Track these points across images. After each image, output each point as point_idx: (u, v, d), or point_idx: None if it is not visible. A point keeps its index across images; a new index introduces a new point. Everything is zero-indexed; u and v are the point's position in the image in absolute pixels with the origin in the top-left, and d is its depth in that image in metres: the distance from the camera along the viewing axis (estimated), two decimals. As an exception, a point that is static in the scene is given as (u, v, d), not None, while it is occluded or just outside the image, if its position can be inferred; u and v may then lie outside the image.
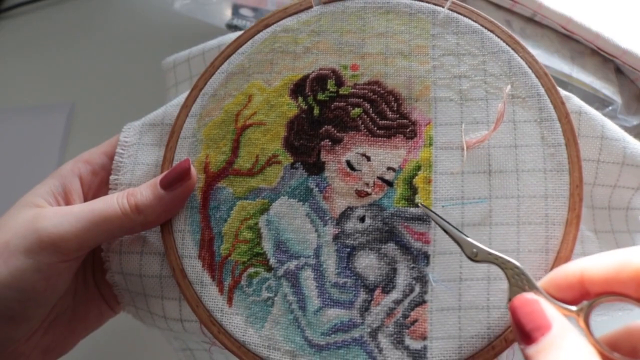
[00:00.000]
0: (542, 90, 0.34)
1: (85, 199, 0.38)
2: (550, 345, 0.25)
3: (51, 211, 0.34)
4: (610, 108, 0.46)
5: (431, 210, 0.32)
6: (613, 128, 0.35)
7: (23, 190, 0.77)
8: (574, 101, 0.35)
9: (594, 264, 0.27)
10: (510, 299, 0.28)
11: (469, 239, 0.30)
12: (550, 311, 0.26)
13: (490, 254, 0.30)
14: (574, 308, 0.27)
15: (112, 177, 0.38)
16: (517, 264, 0.29)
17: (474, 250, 0.30)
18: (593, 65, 0.47)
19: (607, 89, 0.46)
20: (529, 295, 0.27)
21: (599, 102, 0.46)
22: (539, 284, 0.29)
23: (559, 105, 0.33)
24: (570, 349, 0.24)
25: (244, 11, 0.71)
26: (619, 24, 0.47)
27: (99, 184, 0.39)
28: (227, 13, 0.71)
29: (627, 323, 0.29)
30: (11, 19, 0.79)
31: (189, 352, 0.44)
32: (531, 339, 0.25)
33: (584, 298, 0.27)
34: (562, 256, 0.32)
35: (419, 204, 0.33)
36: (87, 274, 0.40)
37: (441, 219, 0.32)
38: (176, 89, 0.45)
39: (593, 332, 0.26)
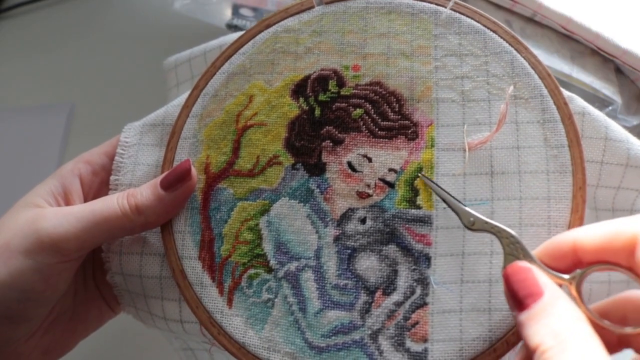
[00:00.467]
0: (545, 91, 0.34)
1: (86, 200, 0.38)
2: (542, 311, 0.25)
3: (51, 212, 0.34)
4: (610, 108, 0.46)
5: (431, 180, 0.33)
6: (617, 129, 0.35)
7: (23, 190, 0.76)
8: (577, 102, 0.34)
9: (586, 233, 0.28)
10: (504, 267, 0.29)
11: (466, 208, 0.31)
12: (543, 279, 0.27)
13: (486, 222, 0.30)
14: (566, 276, 0.28)
15: (112, 178, 0.38)
16: (513, 232, 0.29)
17: (471, 219, 0.31)
18: (593, 65, 0.47)
19: (607, 89, 0.46)
20: (522, 264, 0.28)
21: (599, 102, 0.46)
22: (533, 253, 0.29)
23: (562, 106, 0.33)
24: (560, 315, 0.25)
25: (244, 11, 0.71)
26: (619, 24, 0.47)
27: (99, 184, 0.39)
28: (227, 13, 0.71)
29: (619, 293, 0.30)
30: (11, 19, 0.79)
31: (190, 351, 0.44)
32: (523, 306, 0.26)
33: (576, 267, 0.28)
34: (565, 258, 0.32)
35: (420, 175, 0.33)
36: (87, 274, 0.40)
37: (440, 188, 0.32)
38: (177, 89, 0.44)
39: (585, 301, 0.27)
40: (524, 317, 0.26)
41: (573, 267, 0.28)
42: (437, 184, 0.33)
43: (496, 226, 0.30)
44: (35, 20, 0.78)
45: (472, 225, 0.31)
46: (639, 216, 0.27)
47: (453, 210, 0.31)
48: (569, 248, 0.28)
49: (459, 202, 0.31)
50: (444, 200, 0.32)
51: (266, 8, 0.69)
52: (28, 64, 0.75)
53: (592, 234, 0.27)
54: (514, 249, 0.29)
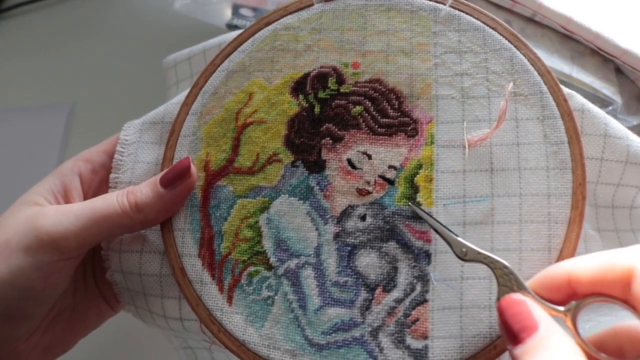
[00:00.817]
0: (544, 88, 0.34)
1: (85, 198, 0.38)
2: (537, 345, 0.25)
3: (51, 210, 0.34)
4: (610, 108, 0.46)
5: (421, 209, 0.32)
6: (616, 126, 0.35)
7: (23, 190, 0.76)
8: (576, 99, 0.34)
9: (581, 265, 0.27)
10: (498, 299, 0.28)
11: (458, 239, 0.31)
12: (537, 312, 0.26)
13: (479, 253, 0.30)
14: (561, 308, 0.27)
15: (112, 176, 0.38)
16: (506, 263, 0.29)
17: (464, 249, 0.30)
18: (593, 65, 0.47)
19: (607, 89, 0.46)
20: (516, 296, 0.28)
21: (599, 102, 0.46)
22: (527, 284, 0.29)
23: (562, 103, 0.33)
24: (556, 350, 0.24)
25: (243, 11, 0.71)
26: (619, 24, 0.47)
27: (99, 182, 0.39)
28: (227, 13, 0.71)
29: (614, 324, 0.29)
30: (11, 19, 0.79)
31: (190, 350, 0.44)
32: (518, 340, 0.26)
33: (571, 299, 0.27)
34: (565, 255, 0.31)
35: (410, 204, 0.33)
36: (86, 272, 0.40)
37: (432, 218, 0.32)
38: (177, 87, 0.44)
39: (580, 333, 0.27)
40: (519, 351, 0.25)
41: (568, 298, 0.27)
42: (428, 213, 0.32)
43: (489, 257, 0.30)
44: (35, 20, 0.78)
45: (465, 256, 0.30)
46: (633, 248, 0.26)
47: (445, 240, 0.31)
48: (563, 279, 0.27)
49: (451, 232, 0.31)
50: (435, 230, 0.32)
51: (266, 8, 0.69)
52: (28, 64, 0.76)
53: (587, 266, 0.27)
54: (507, 280, 0.29)
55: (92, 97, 0.75)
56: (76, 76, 0.75)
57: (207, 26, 0.68)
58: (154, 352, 0.53)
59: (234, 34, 0.39)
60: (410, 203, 0.33)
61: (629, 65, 0.45)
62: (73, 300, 0.39)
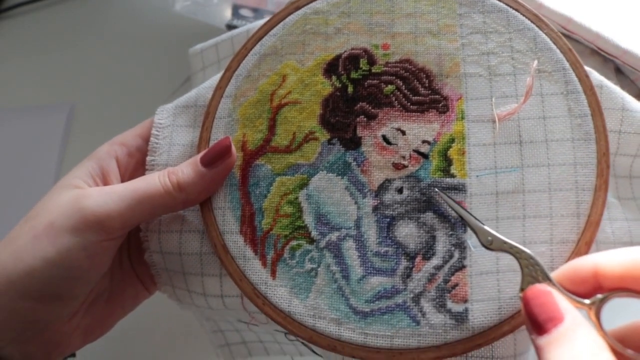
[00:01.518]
0: (567, 65, 0.36)
1: (122, 180, 0.38)
2: (563, 337, 0.25)
3: (95, 191, 0.35)
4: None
5: (450, 197, 0.34)
6: (632, 100, 0.37)
7: (23, 189, 0.76)
8: (594, 75, 0.37)
9: (608, 259, 0.27)
10: (522, 289, 0.29)
11: (485, 227, 0.31)
12: (564, 303, 0.27)
13: (505, 242, 0.30)
14: (586, 301, 0.28)
15: (148, 158, 0.39)
16: (531, 253, 0.29)
17: (489, 238, 0.31)
18: (593, 65, 0.48)
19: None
20: (542, 287, 0.28)
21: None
22: (553, 275, 0.29)
23: (584, 79, 0.35)
24: (582, 342, 0.25)
25: (243, 12, 0.72)
26: (619, 24, 0.48)
27: (134, 165, 0.39)
28: (227, 14, 0.72)
29: (635, 319, 0.29)
30: (11, 19, 0.79)
31: (220, 333, 0.44)
32: (543, 330, 0.26)
33: (596, 292, 0.28)
34: (593, 220, 0.33)
35: (436, 191, 0.34)
36: (122, 255, 0.40)
37: (458, 205, 0.33)
38: (203, 73, 0.45)
39: (603, 327, 0.27)
40: (544, 341, 0.25)
41: (593, 291, 0.28)
42: (455, 200, 0.33)
43: (515, 247, 0.30)
44: (35, 20, 0.78)
45: (490, 245, 0.31)
46: None
47: (471, 229, 0.32)
48: (589, 273, 0.28)
49: (477, 220, 0.32)
50: (462, 218, 0.32)
51: (266, 9, 0.71)
52: (28, 64, 0.75)
53: (614, 261, 0.27)
54: (532, 271, 0.29)
55: (92, 97, 0.75)
56: (76, 76, 0.76)
57: (208, 27, 0.69)
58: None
59: (261, 22, 0.40)
60: (437, 190, 0.34)
61: (629, 65, 0.46)
62: (111, 283, 0.39)
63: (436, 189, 0.34)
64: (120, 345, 0.54)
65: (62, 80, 0.75)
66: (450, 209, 0.34)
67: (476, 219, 0.32)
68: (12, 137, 0.74)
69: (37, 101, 0.75)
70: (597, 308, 0.27)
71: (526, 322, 0.27)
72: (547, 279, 0.29)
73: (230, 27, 0.69)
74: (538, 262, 0.29)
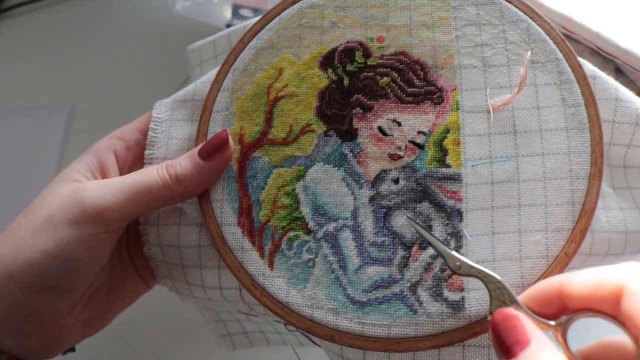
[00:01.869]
0: (560, 55, 0.36)
1: (121, 174, 0.39)
2: (529, 359, 0.26)
3: (93, 184, 0.35)
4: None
5: (417, 224, 0.33)
6: (625, 91, 0.37)
7: (23, 190, 0.76)
8: (588, 66, 0.37)
9: (572, 280, 0.28)
10: (491, 312, 0.29)
11: (452, 253, 0.31)
12: (530, 326, 0.27)
13: (472, 267, 0.31)
14: (552, 323, 0.28)
15: (147, 152, 0.39)
16: (498, 277, 0.30)
17: (457, 263, 0.31)
18: (593, 65, 0.49)
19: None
20: (509, 310, 0.28)
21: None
22: (520, 298, 0.29)
23: (577, 69, 0.36)
24: None
25: (243, 12, 0.72)
26: (619, 24, 0.48)
27: (133, 159, 0.40)
28: (227, 14, 0.73)
29: (602, 338, 0.30)
30: (11, 19, 0.79)
31: (222, 323, 0.45)
32: (511, 353, 0.26)
33: (562, 313, 0.28)
34: (588, 208, 0.34)
35: (406, 217, 0.34)
36: (122, 248, 0.40)
37: (427, 232, 0.32)
38: (201, 68, 0.46)
39: (570, 347, 0.28)
40: None
41: (559, 313, 0.28)
42: (423, 227, 0.33)
43: (482, 271, 0.30)
44: (35, 20, 0.79)
45: (459, 270, 0.31)
46: (624, 265, 0.27)
47: (439, 254, 0.32)
48: (555, 294, 0.28)
49: (445, 246, 0.32)
50: (430, 244, 0.32)
51: (266, 8, 0.71)
52: (28, 64, 0.76)
53: (579, 281, 0.27)
54: (500, 294, 0.29)
55: (92, 97, 0.75)
56: (76, 76, 0.76)
57: (208, 27, 0.70)
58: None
59: (257, 18, 0.41)
60: (406, 216, 0.34)
61: (629, 65, 0.46)
62: (110, 276, 0.39)
63: (406, 215, 0.35)
64: (120, 340, 0.55)
65: (62, 80, 0.76)
66: (446, 200, 0.35)
67: (443, 243, 0.32)
68: (12, 137, 0.74)
69: (37, 101, 0.75)
70: (564, 329, 0.28)
71: (494, 345, 0.28)
72: (514, 302, 0.29)
73: (230, 27, 0.69)
74: (505, 285, 0.29)
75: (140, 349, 0.55)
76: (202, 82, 0.40)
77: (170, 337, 0.55)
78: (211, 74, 0.40)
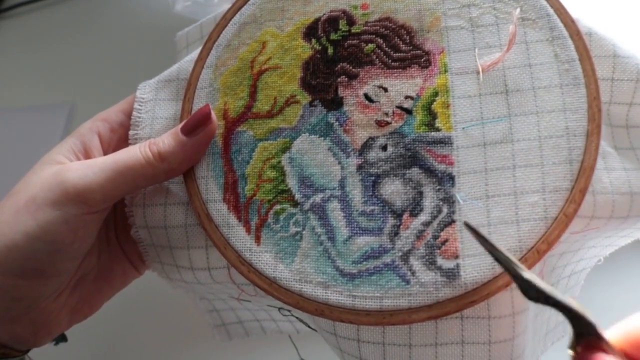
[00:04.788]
0: (551, 11, 0.34)
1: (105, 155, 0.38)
2: None
3: (75, 164, 0.34)
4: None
5: (481, 232, 0.25)
6: (625, 47, 0.35)
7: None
8: (583, 22, 0.35)
9: None
10: (574, 349, 0.23)
11: (527, 276, 0.23)
12: None
13: (550, 297, 0.23)
14: None
15: (131, 132, 0.38)
16: (589, 319, 0.22)
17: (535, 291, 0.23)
18: None
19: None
20: (603, 357, 0.22)
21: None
22: (609, 338, 0.23)
23: (570, 24, 0.34)
24: None
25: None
26: (619, 23, 0.47)
27: (117, 141, 0.39)
28: (228, 14, 0.72)
29: None
30: (11, 19, 0.79)
31: (216, 313, 0.44)
32: None
33: None
34: (587, 166, 0.32)
35: (465, 224, 0.26)
36: (109, 233, 0.40)
37: (495, 247, 0.24)
38: (187, 50, 0.45)
39: None
40: None
41: None
42: (488, 239, 0.25)
43: (567, 306, 0.22)
44: (35, 20, 0.79)
45: (537, 300, 0.23)
46: None
47: (511, 275, 0.24)
48: None
49: (519, 265, 0.24)
50: (498, 261, 0.24)
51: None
52: (28, 64, 0.76)
53: None
54: (585, 331, 0.22)
55: (92, 97, 0.75)
56: (76, 76, 0.76)
57: (208, 27, 0.69)
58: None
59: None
60: (465, 223, 0.26)
61: None
62: (98, 261, 0.39)
63: (464, 222, 0.26)
64: (117, 337, 0.54)
65: (62, 80, 0.76)
66: (436, 164, 0.33)
67: (516, 263, 0.24)
68: (12, 137, 0.74)
69: (37, 101, 0.75)
70: None
71: None
72: (601, 338, 0.22)
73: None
74: (593, 323, 0.22)
75: (138, 347, 0.55)
76: (186, 61, 0.39)
77: (171, 337, 0.54)
78: (195, 53, 0.39)
